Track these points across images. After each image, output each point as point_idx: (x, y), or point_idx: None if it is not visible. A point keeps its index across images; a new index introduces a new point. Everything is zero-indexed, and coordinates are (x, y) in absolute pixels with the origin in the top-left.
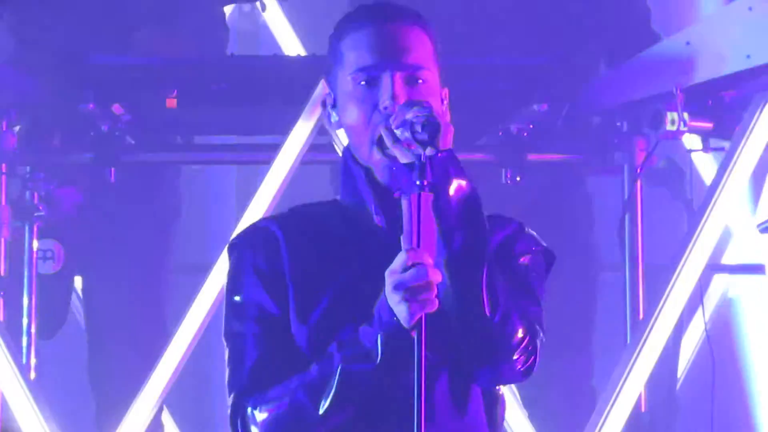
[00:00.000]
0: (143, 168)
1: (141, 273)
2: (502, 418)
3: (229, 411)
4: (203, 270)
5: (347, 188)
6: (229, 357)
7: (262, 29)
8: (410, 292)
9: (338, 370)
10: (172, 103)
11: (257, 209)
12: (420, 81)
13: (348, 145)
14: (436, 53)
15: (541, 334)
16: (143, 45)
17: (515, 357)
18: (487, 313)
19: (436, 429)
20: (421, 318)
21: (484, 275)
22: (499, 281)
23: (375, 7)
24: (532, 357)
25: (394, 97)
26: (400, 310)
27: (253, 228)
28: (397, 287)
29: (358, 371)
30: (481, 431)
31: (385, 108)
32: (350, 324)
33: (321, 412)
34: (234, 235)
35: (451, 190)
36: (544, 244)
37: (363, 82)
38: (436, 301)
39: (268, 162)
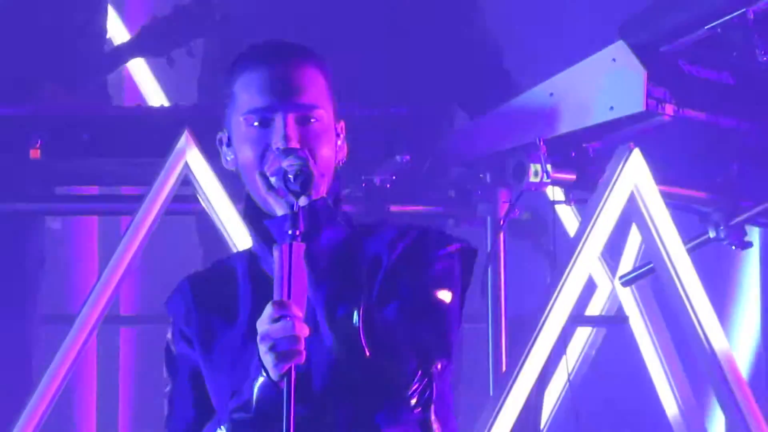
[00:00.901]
0: (4, 218)
1: (4, 322)
2: None
3: None
4: (66, 320)
5: (251, 235)
6: (166, 406)
7: (125, 80)
8: (275, 344)
9: (228, 419)
10: (36, 153)
11: (120, 259)
12: (313, 120)
13: (247, 191)
14: (330, 89)
15: (441, 360)
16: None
17: (409, 392)
18: (367, 354)
19: None
20: (290, 369)
21: (360, 319)
22: (381, 320)
23: (267, 47)
24: (428, 389)
25: (286, 138)
26: (267, 361)
27: (175, 289)
28: (264, 339)
29: (240, 421)
30: None
31: (278, 149)
32: (236, 379)
33: None
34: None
35: (323, 239)
36: (458, 244)
37: (256, 123)
38: (304, 354)
39: (131, 213)
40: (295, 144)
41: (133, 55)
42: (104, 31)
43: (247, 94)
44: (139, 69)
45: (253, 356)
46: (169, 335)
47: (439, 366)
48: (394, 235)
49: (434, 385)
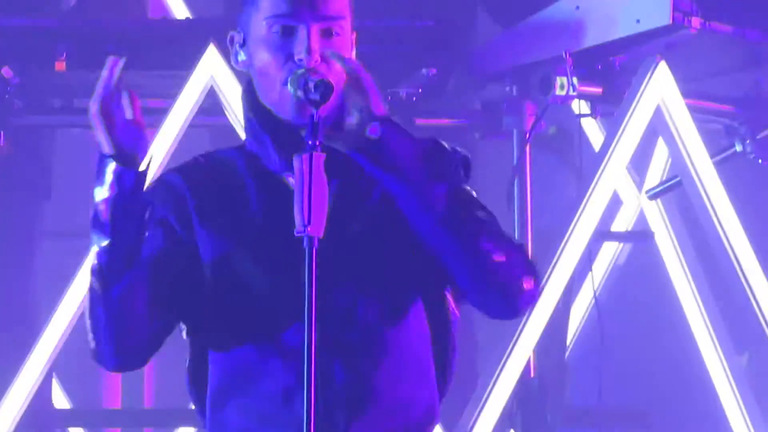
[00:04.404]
0: (19, 132)
1: (17, 238)
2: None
3: None
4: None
5: (250, 134)
6: None
7: None
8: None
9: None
10: (61, 65)
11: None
12: (335, 33)
13: (246, 89)
14: (350, 1)
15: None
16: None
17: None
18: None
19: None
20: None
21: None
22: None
23: None
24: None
25: (309, 51)
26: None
27: (158, 181)
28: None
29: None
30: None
31: (299, 60)
32: (253, 266)
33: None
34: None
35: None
36: (459, 151)
37: (278, 30)
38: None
39: (156, 126)
40: (317, 57)
41: None
42: None
43: None
44: None
45: (250, 253)
46: None
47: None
48: None
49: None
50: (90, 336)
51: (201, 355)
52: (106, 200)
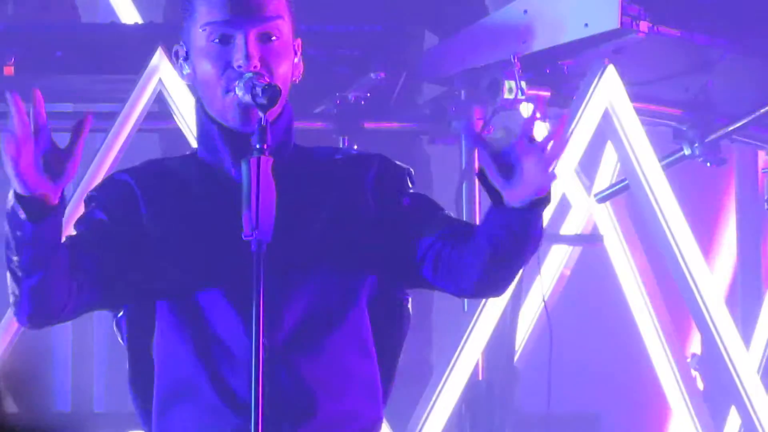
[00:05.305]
0: None
1: None
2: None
3: None
4: None
5: (203, 142)
6: None
7: None
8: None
9: None
10: (9, 70)
11: (94, 176)
12: (273, 38)
13: (199, 99)
14: (289, 5)
15: None
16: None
17: None
18: None
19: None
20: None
21: None
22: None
23: None
24: None
25: (248, 56)
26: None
27: (109, 180)
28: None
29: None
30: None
31: (239, 66)
32: (202, 272)
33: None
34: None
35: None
36: (402, 166)
37: (216, 40)
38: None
39: (105, 130)
40: (256, 63)
41: None
42: None
43: (206, 6)
44: None
45: (203, 260)
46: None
47: None
48: (357, 163)
49: None
50: (9, 293)
51: (142, 362)
52: (8, 222)
